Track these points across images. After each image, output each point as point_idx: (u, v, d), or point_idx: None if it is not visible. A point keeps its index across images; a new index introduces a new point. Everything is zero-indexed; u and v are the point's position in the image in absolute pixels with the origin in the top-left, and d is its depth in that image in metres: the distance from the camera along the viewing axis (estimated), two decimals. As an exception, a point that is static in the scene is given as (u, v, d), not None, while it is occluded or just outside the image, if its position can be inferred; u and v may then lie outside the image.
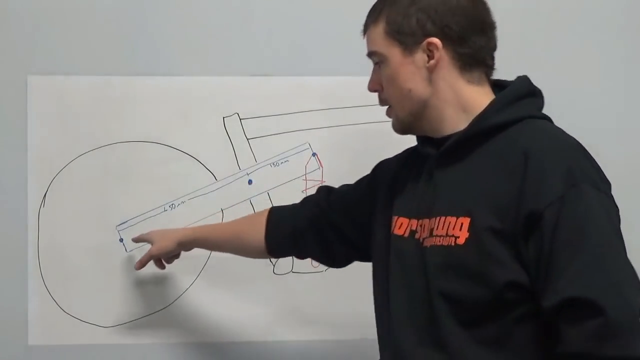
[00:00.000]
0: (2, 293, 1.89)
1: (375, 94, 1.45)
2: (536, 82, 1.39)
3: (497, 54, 1.39)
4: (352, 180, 1.85)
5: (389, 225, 1.45)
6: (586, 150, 1.29)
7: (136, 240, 1.87)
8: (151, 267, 1.90)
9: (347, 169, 1.92)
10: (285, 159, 1.94)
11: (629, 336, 1.17)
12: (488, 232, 1.24)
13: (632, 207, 1.95)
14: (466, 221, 1.27)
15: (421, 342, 1.34)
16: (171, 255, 1.84)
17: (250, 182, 1.93)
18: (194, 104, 1.92)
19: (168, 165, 1.92)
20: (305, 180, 1.94)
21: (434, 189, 1.37)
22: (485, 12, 1.36)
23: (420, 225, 1.37)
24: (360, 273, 1.94)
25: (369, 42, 1.41)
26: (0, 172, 1.89)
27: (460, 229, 1.27)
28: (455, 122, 1.35)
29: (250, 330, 1.93)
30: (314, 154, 1.94)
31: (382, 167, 1.61)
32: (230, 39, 1.92)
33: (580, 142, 1.32)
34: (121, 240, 1.91)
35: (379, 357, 1.47)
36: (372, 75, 1.44)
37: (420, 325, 1.34)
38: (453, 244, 1.28)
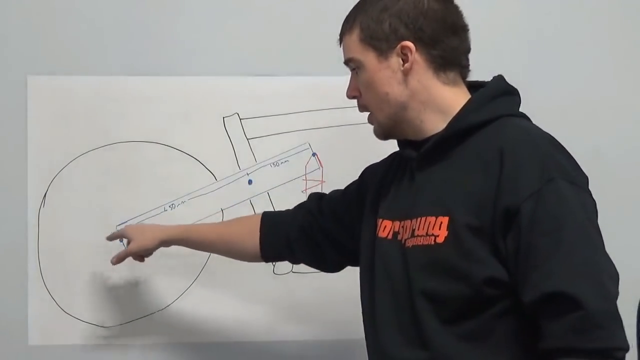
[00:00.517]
0: (2, 293, 1.89)
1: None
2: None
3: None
4: (352, 180, 1.85)
5: (374, 228, 1.47)
6: (562, 146, 1.30)
7: (110, 238, 1.84)
8: (151, 267, 1.90)
9: (347, 169, 1.92)
10: (285, 159, 1.94)
11: (609, 327, 1.19)
12: (466, 229, 1.26)
13: (632, 206, 1.97)
14: (445, 220, 1.29)
15: (405, 343, 1.35)
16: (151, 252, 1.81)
17: (250, 182, 1.93)
18: (194, 104, 1.92)
19: (168, 165, 1.92)
20: (305, 180, 1.94)
21: (415, 190, 1.38)
22: (456, 14, 1.37)
23: (402, 227, 1.38)
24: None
25: (345, 50, 1.44)
26: (0, 172, 1.89)
27: (440, 228, 1.29)
28: (434, 123, 1.36)
29: (250, 330, 1.93)
30: (314, 154, 1.94)
31: (370, 172, 1.63)
32: (230, 39, 1.92)
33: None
34: (121, 240, 1.91)
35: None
36: (350, 82, 1.45)
37: (404, 326, 1.35)
38: (433, 242, 1.30)
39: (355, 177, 1.84)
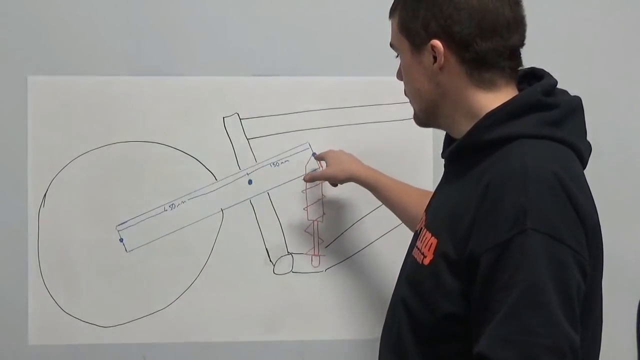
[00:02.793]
0: (2, 293, 1.89)
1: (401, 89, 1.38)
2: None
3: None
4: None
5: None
6: (565, 187, 1.13)
7: (317, 157, 1.90)
8: (151, 267, 1.91)
9: (347, 169, 1.92)
10: (285, 159, 1.94)
11: None
12: (444, 260, 1.19)
13: (632, 206, 1.97)
14: (434, 242, 1.23)
15: (390, 347, 1.33)
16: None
17: (250, 182, 1.93)
18: (194, 104, 1.92)
19: (168, 165, 1.92)
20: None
21: (436, 195, 1.35)
22: (501, 8, 1.22)
23: (422, 227, 1.34)
24: (360, 273, 1.95)
25: (391, 33, 1.35)
26: (0, 172, 1.89)
27: (429, 249, 1.23)
28: (463, 127, 1.26)
29: (250, 330, 1.93)
30: (314, 154, 1.94)
31: None
32: (230, 39, 1.92)
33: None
34: (121, 240, 1.91)
35: (379, 357, 1.47)
36: (399, 64, 1.36)
37: (392, 330, 1.33)
38: (421, 262, 1.25)
39: (355, 177, 1.84)
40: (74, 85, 1.90)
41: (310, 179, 1.87)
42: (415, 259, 1.28)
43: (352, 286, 1.94)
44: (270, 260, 1.93)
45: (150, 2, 1.91)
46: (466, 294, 1.16)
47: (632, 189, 1.98)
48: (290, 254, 1.94)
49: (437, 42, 1.23)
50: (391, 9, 1.34)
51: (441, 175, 1.40)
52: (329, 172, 1.83)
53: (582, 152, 1.24)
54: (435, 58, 1.25)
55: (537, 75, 1.30)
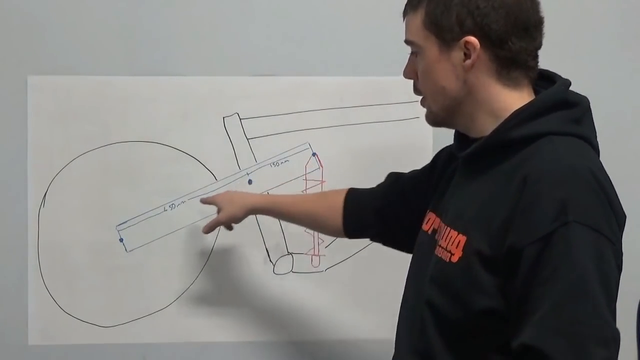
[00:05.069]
0: (2, 293, 1.89)
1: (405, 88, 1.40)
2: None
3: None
4: (352, 180, 1.85)
5: (423, 218, 1.42)
6: (601, 182, 1.18)
7: (204, 201, 1.86)
8: (151, 267, 1.91)
9: (347, 169, 1.93)
10: (285, 159, 1.94)
11: None
12: (478, 257, 1.20)
13: (632, 206, 1.97)
14: (463, 240, 1.23)
15: (413, 349, 1.32)
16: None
17: (250, 182, 1.93)
18: (194, 104, 1.92)
19: (168, 165, 1.92)
20: (305, 180, 1.94)
21: (453, 193, 1.34)
22: (532, 9, 1.25)
23: (440, 227, 1.34)
24: (360, 273, 1.95)
25: (407, 29, 1.32)
26: (0, 172, 1.89)
27: (457, 247, 1.24)
28: (484, 125, 1.27)
29: (250, 330, 1.93)
30: (314, 154, 1.94)
31: (442, 156, 1.53)
32: (230, 39, 1.92)
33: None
34: (121, 240, 1.91)
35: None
36: (408, 62, 1.35)
37: (414, 332, 1.32)
38: (448, 260, 1.25)
39: (356, 177, 1.84)
40: (74, 85, 1.90)
41: (208, 229, 1.81)
42: (441, 258, 1.28)
43: (352, 286, 1.94)
44: (270, 260, 1.93)
45: (149, 2, 1.91)
46: (502, 288, 1.18)
47: (633, 189, 1.97)
48: (290, 254, 1.94)
49: (473, 39, 1.23)
50: (412, 4, 1.31)
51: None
52: (225, 216, 1.79)
53: (597, 149, 1.28)
54: (466, 55, 1.24)
55: (544, 76, 1.31)
